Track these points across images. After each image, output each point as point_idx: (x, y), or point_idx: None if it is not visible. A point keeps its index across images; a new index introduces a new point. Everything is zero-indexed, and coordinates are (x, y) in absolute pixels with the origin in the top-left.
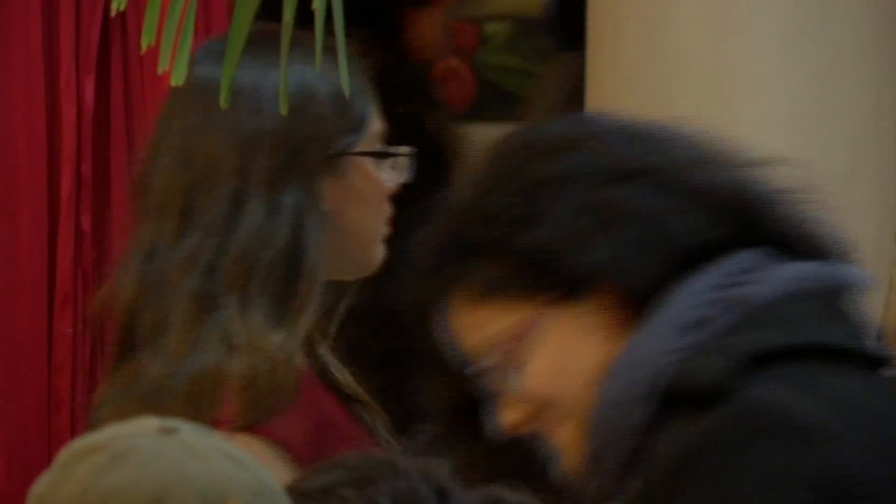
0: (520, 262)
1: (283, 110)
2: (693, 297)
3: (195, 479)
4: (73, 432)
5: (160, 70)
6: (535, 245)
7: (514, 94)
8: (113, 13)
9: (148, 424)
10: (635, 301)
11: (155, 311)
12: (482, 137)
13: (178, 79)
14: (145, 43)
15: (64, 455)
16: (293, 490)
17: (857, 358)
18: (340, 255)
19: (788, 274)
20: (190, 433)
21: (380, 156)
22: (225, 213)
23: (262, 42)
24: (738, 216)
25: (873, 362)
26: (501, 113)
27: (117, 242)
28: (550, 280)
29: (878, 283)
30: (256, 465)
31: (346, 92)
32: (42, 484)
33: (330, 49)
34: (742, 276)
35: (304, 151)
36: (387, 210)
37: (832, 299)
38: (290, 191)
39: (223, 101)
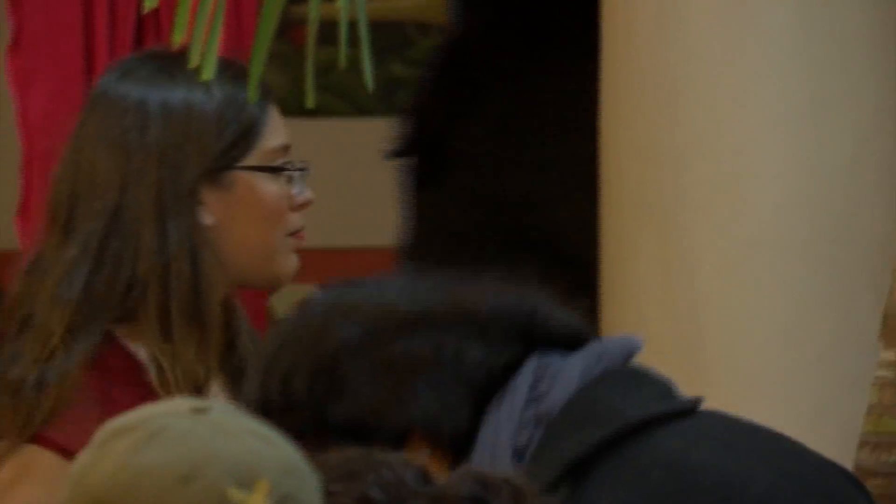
0: (337, 434)
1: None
2: (502, 428)
3: (226, 457)
4: None
5: (190, 66)
6: (344, 419)
7: None
8: (145, 11)
9: (180, 404)
10: (451, 443)
11: (21, 318)
12: None
13: (207, 74)
14: (177, 40)
15: (100, 434)
16: None
17: (670, 415)
18: (239, 268)
19: (574, 372)
20: (221, 413)
21: (266, 170)
22: (102, 227)
23: (152, 60)
24: (513, 335)
25: (687, 410)
26: None
27: None
28: (369, 442)
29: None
30: (287, 443)
31: (252, 99)
32: (79, 462)
33: (227, 64)
34: (535, 392)
35: (183, 166)
36: (291, 222)
37: (623, 372)
38: (170, 206)
39: (251, 97)
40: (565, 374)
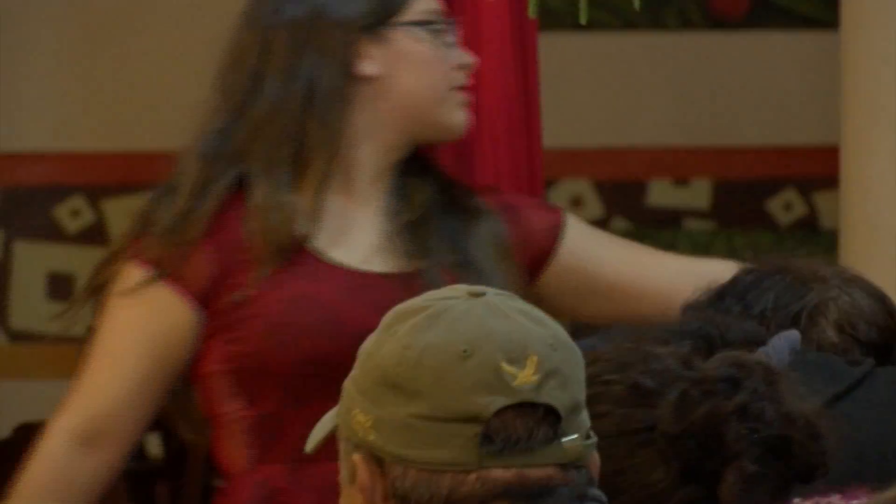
0: None
1: None
2: None
3: (499, 335)
4: None
5: None
6: None
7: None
8: None
9: (459, 289)
10: None
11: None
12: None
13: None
14: None
15: (388, 317)
16: None
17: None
18: (409, 119)
19: None
20: (494, 296)
21: (419, 24)
22: (245, 90)
23: None
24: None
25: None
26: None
27: None
28: None
29: None
30: (553, 322)
31: None
32: (369, 342)
33: None
34: None
35: (322, 28)
36: (454, 78)
37: (796, 361)
38: (306, 62)
39: (531, 12)
40: None
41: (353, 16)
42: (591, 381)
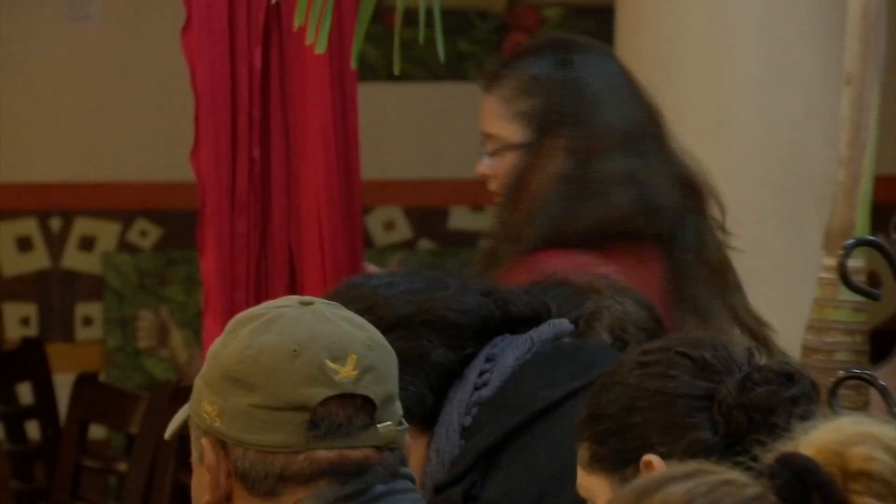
0: None
1: None
2: (454, 410)
3: (324, 337)
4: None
5: (308, 41)
6: None
7: None
8: (273, 1)
9: (292, 299)
10: (422, 422)
11: None
12: None
13: (321, 48)
14: (298, 22)
15: (231, 323)
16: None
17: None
18: None
19: (508, 359)
20: (322, 304)
21: None
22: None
23: None
24: (471, 335)
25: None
26: None
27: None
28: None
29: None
30: (371, 327)
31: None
32: (216, 344)
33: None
34: (481, 378)
35: None
36: None
37: (549, 354)
38: None
39: (353, 63)
40: (501, 360)
41: None
42: (666, 349)
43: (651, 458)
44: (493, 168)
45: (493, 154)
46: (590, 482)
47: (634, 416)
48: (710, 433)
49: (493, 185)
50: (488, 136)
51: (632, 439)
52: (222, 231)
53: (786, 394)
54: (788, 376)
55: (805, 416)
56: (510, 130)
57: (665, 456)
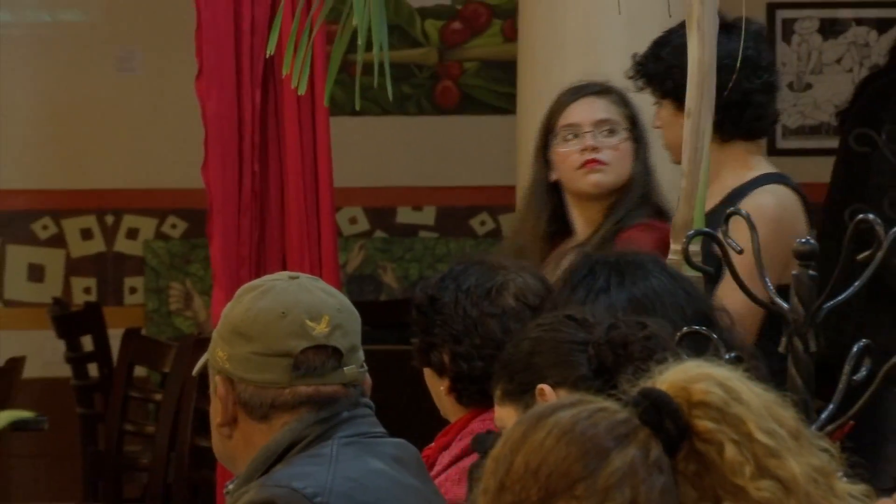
0: None
1: None
2: None
3: (305, 303)
4: None
5: (293, 85)
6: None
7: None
8: (268, 55)
9: (283, 274)
10: None
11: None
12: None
13: (301, 90)
14: (285, 71)
15: (238, 291)
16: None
17: None
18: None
19: None
20: (305, 279)
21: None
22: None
23: None
24: None
25: None
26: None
27: (274, 178)
28: None
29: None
30: (341, 295)
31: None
32: (227, 306)
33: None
34: None
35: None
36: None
37: None
38: None
39: (325, 102)
40: None
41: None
42: (557, 315)
43: (543, 386)
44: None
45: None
46: (502, 413)
47: (534, 357)
48: (587, 368)
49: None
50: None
51: (531, 374)
52: (228, 225)
53: (640, 334)
54: (642, 324)
55: (660, 361)
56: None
57: (554, 386)
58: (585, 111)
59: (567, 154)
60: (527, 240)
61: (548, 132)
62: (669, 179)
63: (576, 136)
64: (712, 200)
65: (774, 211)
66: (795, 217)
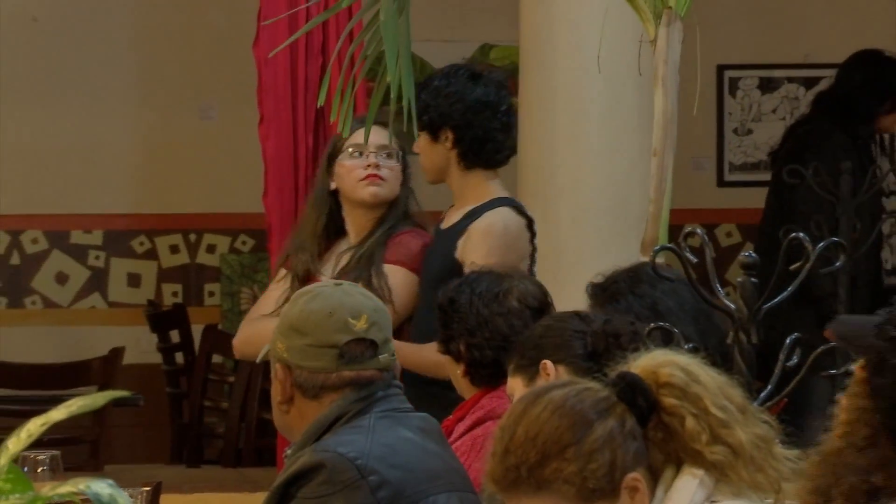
0: None
1: None
2: None
3: (347, 304)
4: None
5: (338, 130)
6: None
7: None
8: (318, 105)
9: (329, 282)
10: None
11: None
12: None
13: (345, 133)
14: (332, 118)
15: (294, 295)
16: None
17: None
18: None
19: None
20: (348, 285)
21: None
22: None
23: None
24: None
25: None
26: None
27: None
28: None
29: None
30: (376, 298)
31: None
32: (285, 308)
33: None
34: None
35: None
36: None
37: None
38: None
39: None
40: None
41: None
42: (564, 311)
43: (546, 362)
44: None
45: None
46: (513, 383)
47: (542, 339)
48: (583, 351)
49: None
50: None
51: (538, 352)
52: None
53: (629, 329)
54: (631, 322)
55: (635, 350)
56: None
57: (555, 362)
58: (372, 135)
59: (352, 167)
60: (306, 237)
61: (336, 148)
62: (430, 195)
63: (361, 154)
64: (457, 216)
65: (501, 227)
66: (519, 233)
